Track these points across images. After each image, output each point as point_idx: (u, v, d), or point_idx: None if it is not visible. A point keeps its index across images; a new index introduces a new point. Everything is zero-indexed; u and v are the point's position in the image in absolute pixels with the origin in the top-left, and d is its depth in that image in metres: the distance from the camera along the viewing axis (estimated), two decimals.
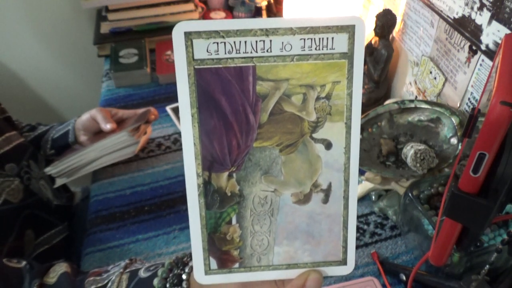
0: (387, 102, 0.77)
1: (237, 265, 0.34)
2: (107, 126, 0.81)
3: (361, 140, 0.72)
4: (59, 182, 0.81)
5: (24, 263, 0.54)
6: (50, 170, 0.79)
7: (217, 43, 0.29)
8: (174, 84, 1.18)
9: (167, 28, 1.21)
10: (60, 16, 1.38)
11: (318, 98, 0.31)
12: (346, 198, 0.33)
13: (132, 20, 1.21)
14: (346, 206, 0.33)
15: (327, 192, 0.33)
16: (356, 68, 0.30)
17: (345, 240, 0.34)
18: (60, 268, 0.53)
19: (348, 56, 0.30)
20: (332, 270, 0.35)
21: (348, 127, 0.32)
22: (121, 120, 0.87)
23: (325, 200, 0.33)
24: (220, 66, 0.30)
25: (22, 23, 1.36)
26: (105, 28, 1.21)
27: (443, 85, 0.76)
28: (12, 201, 0.71)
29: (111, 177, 0.84)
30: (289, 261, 0.34)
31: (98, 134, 0.85)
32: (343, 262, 0.34)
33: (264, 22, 0.29)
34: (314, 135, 0.32)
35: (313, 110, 0.31)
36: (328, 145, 0.32)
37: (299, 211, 0.33)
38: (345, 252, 0.34)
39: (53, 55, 1.45)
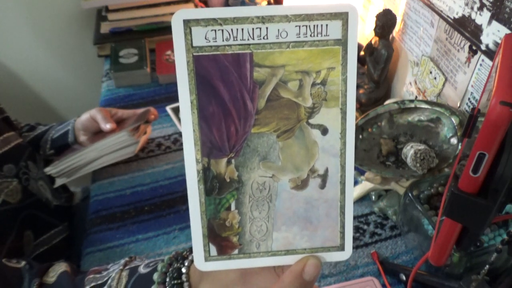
0: (387, 102, 0.77)
1: (236, 251, 0.34)
2: (107, 126, 0.81)
3: (361, 140, 0.72)
4: (58, 182, 0.81)
5: (23, 263, 0.54)
6: (50, 170, 0.79)
7: (215, 30, 0.30)
8: (174, 84, 1.17)
9: (167, 28, 1.21)
10: (60, 16, 1.38)
11: (313, 84, 0.31)
12: (342, 183, 0.33)
13: (132, 20, 1.22)
14: (343, 191, 0.33)
15: (324, 177, 0.33)
16: (350, 54, 0.31)
17: (343, 226, 0.34)
18: (60, 267, 0.53)
19: (342, 42, 0.31)
20: (330, 256, 0.35)
21: (344, 113, 0.32)
22: (120, 120, 0.87)
23: (322, 185, 0.33)
24: (218, 53, 0.30)
25: (22, 23, 1.36)
26: (105, 28, 1.22)
27: (443, 85, 0.76)
28: (10, 201, 0.71)
29: (111, 177, 0.84)
30: (288, 247, 0.34)
31: (97, 134, 0.85)
32: (341, 247, 0.34)
33: (260, 9, 0.30)
34: (311, 121, 0.32)
35: (309, 96, 0.32)
36: (324, 131, 0.32)
37: (297, 197, 0.34)
38: (342, 237, 0.34)
39: (53, 55, 1.45)
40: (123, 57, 1.13)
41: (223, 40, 0.30)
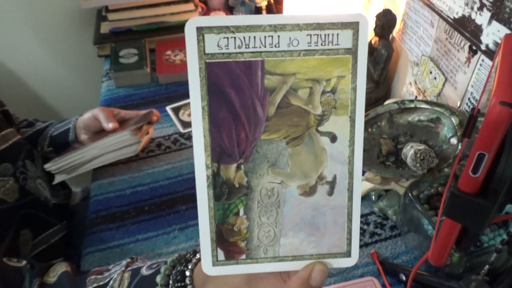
0: (387, 102, 0.77)
1: (243, 256, 0.35)
2: (110, 125, 0.81)
3: None
4: (58, 178, 0.81)
5: (24, 262, 0.54)
6: (50, 166, 0.79)
7: (228, 38, 0.30)
8: (174, 84, 1.17)
9: (167, 28, 1.21)
10: (60, 16, 1.38)
11: (323, 92, 0.32)
12: (350, 191, 0.34)
13: (132, 20, 1.22)
14: (350, 198, 0.34)
15: (332, 184, 0.34)
16: (360, 63, 0.31)
17: (350, 232, 0.34)
18: (61, 267, 0.53)
19: (352, 51, 0.31)
20: (337, 262, 0.35)
21: (353, 121, 0.32)
22: (123, 120, 0.87)
23: (330, 192, 0.34)
24: (230, 60, 0.31)
25: (22, 23, 1.36)
26: (105, 28, 1.22)
27: (443, 85, 0.76)
28: (7, 200, 0.71)
29: (111, 177, 0.84)
30: (295, 253, 0.35)
31: (98, 133, 0.85)
32: (348, 254, 0.35)
33: (272, 18, 0.30)
34: (320, 128, 0.33)
35: (319, 104, 0.32)
36: (333, 138, 0.33)
37: (305, 203, 0.34)
38: (349, 244, 0.35)
39: (53, 55, 1.45)
40: (123, 57, 1.13)
41: (235, 48, 0.31)
